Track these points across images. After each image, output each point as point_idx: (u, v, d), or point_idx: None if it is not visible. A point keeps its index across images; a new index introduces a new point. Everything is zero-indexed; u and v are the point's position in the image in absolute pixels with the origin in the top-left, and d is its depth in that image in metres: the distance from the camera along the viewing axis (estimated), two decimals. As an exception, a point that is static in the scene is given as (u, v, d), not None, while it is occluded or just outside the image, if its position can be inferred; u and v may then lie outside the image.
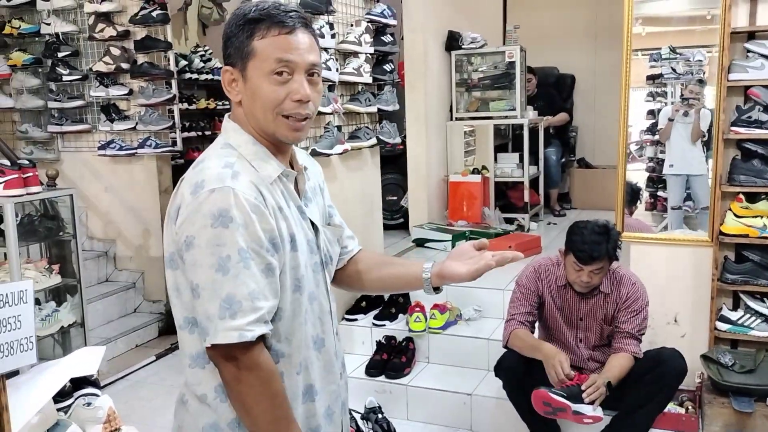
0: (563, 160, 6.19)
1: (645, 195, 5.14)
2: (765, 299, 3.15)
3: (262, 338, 1.23)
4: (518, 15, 6.69)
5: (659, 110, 5.17)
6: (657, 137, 5.15)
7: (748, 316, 3.15)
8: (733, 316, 3.17)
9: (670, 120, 4.50)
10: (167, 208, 1.31)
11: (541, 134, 5.68)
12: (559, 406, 2.57)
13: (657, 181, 5.00)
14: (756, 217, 3.09)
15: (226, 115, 1.38)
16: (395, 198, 5.51)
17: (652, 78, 5.02)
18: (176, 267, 1.27)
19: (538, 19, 6.71)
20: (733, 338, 3.20)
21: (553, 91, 6.30)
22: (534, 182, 5.63)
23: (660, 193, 4.90)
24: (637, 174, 5.43)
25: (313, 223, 1.39)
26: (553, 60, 6.60)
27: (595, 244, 2.63)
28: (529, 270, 2.92)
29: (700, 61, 4.63)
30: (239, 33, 1.29)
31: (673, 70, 4.79)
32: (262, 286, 1.22)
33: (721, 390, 3.02)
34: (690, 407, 3.17)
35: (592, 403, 2.56)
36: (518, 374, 2.79)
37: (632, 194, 3.86)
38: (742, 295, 3.21)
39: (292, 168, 1.40)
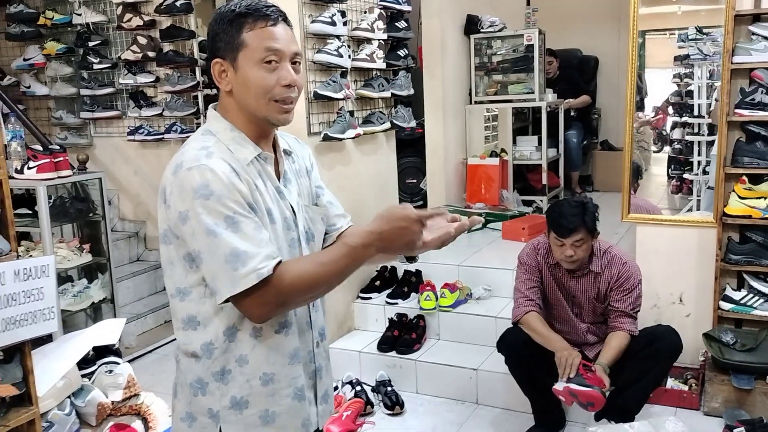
0: (585, 142, 6.19)
1: (665, 178, 5.14)
2: (768, 279, 3.19)
3: (277, 265, 1.34)
4: (542, -3, 6.69)
5: (686, 92, 5.16)
6: (684, 119, 5.14)
7: (751, 295, 3.19)
8: (737, 295, 3.22)
9: (717, 101, 4.48)
10: (159, 190, 1.44)
11: (561, 117, 5.70)
12: (586, 396, 2.64)
13: (684, 163, 5.00)
14: (759, 198, 3.12)
15: (211, 106, 1.51)
16: (414, 181, 5.61)
17: (679, 59, 5.01)
18: (169, 242, 1.41)
19: (561, 1, 6.70)
20: (737, 318, 3.24)
21: (575, 73, 6.29)
22: (554, 165, 5.67)
23: (686, 175, 4.91)
24: (663, 156, 5.43)
25: (290, 204, 1.51)
26: (576, 42, 6.59)
27: (572, 216, 2.72)
28: (528, 247, 3.00)
29: (730, 41, 4.60)
30: (228, 28, 1.41)
31: (700, 50, 4.76)
32: (258, 238, 1.35)
33: (722, 368, 3.09)
34: (693, 384, 3.24)
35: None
36: (520, 350, 2.88)
37: (634, 173, 3.88)
38: (745, 275, 3.25)
39: (275, 151, 1.52)
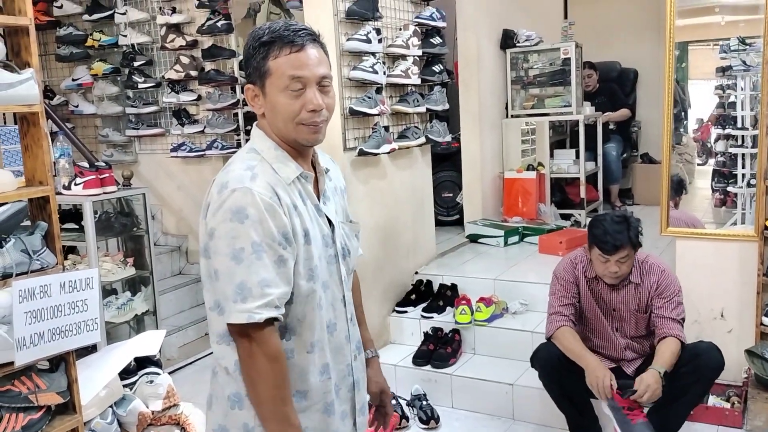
0: (624, 155, 6.12)
1: (709, 191, 5.04)
2: (813, 294, 3.11)
3: (272, 321, 1.39)
4: (579, 10, 6.67)
5: (729, 104, 5.07)
6: (727, 131, 5.05)
7: (795, 311, 3.12)
8: (780, 311, 3.14)
9: None
10: (203, 205, 1.50)
11: (599, 130, 5.66)
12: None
13: (728, 176, 4.90)
14: (802, 211, 3.05)
15: (255, 123, 1.55)
16: (451, 195, 5.62)
17: (722, 70, 4.93)
18: (208, 256, 1.45)
19: (600, 13, 6.66)
20: (781, 334, 3.17)
21: (614, 86, 6.24)
22: (593, 178, 5.62)
23: (730, 188, 4.81)
24: (708, 169, 5.33)
25: (329, 220, 1.55)
26: (614, 54, 6.53)
27: (617, 233, 2.69)
28: (565, 261, 2.98)
29: (775, 52, 4.51)
30: (255, 54, 1.45)
31: (743, 62, 4.68)
32: (272, 275, 1.38)
33: (765, 385, 3.01)
34: (736, 402, 3.16)
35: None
36: (554, 364, 2.85)
37: (676, 186, 3.83)
38: (789, 291, 3.17)
39: (315, 169, 1.57)
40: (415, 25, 3.95)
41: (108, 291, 3.84)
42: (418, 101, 3.91)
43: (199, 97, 4.74)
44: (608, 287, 2.86)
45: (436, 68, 4.10)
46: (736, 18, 4.92)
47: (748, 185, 4.47)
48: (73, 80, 5.16)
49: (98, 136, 5.28)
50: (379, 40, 3.60)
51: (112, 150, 5.18)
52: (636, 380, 2.65)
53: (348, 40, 3.48)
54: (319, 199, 1.54)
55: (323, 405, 1.53)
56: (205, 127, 4.71)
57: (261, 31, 1.47)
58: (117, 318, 3.76)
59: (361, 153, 3.53)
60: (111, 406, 2.40)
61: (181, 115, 4.80)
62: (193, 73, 4.67)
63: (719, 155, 5.16)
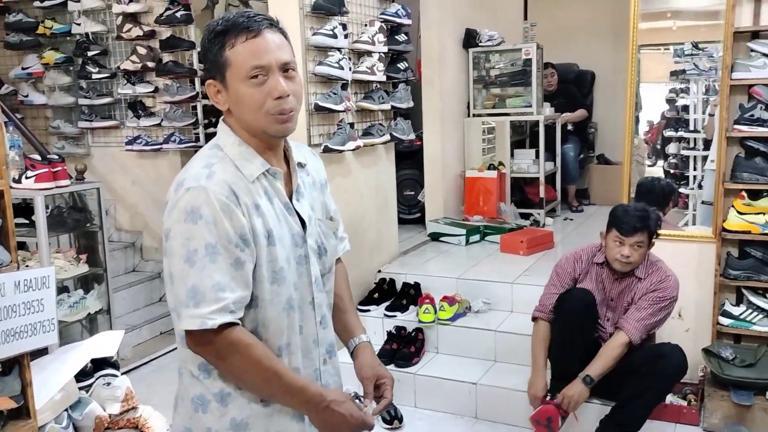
0: (582, 156, 6.22)
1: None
2: (767, 295, 3.19)
3: (230, 325, 1.33)
4: (539, 12, 6.73)
5: (682, 107, 5.19)
6: (680, 134, 5.16)
7: (750, 311, 3.19)
8: (736, 311, 3.22)
9: (711, 115, 4.51)
10: None
11: (558, 130, 5.73)
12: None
13: (680, 177, 5.01)
14: (758, 214, 3.12)
15: (221, 118, 1.48)
16: (413, 193, 5.61)
17: (675, 74, 5.04)
18: (166, 257, 1.39)
19: (559, 15, 6.74)
20: (736, 333, 3.24)
21: (573, 87, 6.32)
22: (551, 178, 5.69)
23: (682, 189, 4.92)
24: (659, 170, 5.46)
25: (301, 218, 1.48)
26: (573, 56, 6.62)
27: (638, 218, 2.76)
28: (569, 254, 3.04)
29: (723, 56, 4.62)
30: (212, 47, 1.38)
31: (696, 66, 4.79)
32: (228, 279, 1.32)
33: (722, 383, 3.08)
34: (693, 400, 3.23)
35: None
36: (582, 309, 2.86)
37: (667, 193, 3.90)
38: (744, 291, 3.24)
39: (288, 164, 1.51)
40: (381, 22, 3.91)
41: (60, 289, 3.69)
42: (383, 98, 3.88)
43: (156, 89, 4.61)
44: (612, 276, 2.90)
45: (401, 65, 4.07)
46: (687, 23, 5.04)
47: (699, 187, 4.60)
48: (23, 69, 4.96)
49: (49, 128, 5.08)
50: (345, 36, 3.55)
51: (63, 142, 4.99)
52: (561, 392, 2.77)
53: (314, 34, 3.43)
54: (291, 197, 1.48)
55: (292, 410, 1.47)
56: (162, 120, 4.58)
57: (215, 21, 1.40)
58: (69, 317, 3.62)
59: (326, 150, 3.48)
60: (66, 410, 2.31)
61: (137, 107, 4.66)
62: (150, 64, 4.54)
63: (671, 157, 5.29)
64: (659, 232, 3.43)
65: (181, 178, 1.37)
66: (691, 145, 4.91)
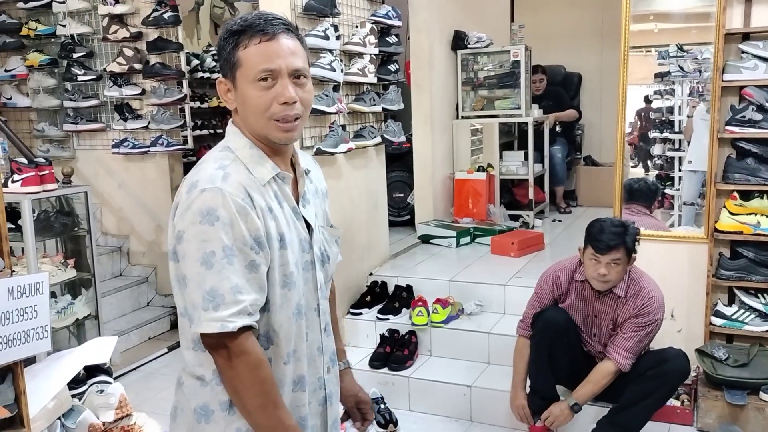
0: (569, 157, 6.25)
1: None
2: (759, 295, 3.21)
3: (248, 328, 1.31)
4: (525, 14, 6.76)
5: (666, 108, 5.23)
6: (665, 135, 5.20)
7: (742, 311, 3.21)
8: (728, 311, 3.24)
9: (689, 117, 4.55)
10: (172, 206, 1.41)
11: (546, 132, 5.75)
12: None
13: (665, 178, 5.05)
14: (750, 214, 3.15)
15: (230, 120, 1.47)
16: (402, 195, 5.60)
17: (660, 75, 5.07)
18: (176, 260, 1.36)
19: (546, 18, 6.78)
20: (728, 333, 3.26)
21: (560, 89, 6.35)
22: (539, 180, 5.70)
23: (667, 190, 4.96)
24: (648, 172, 5.49)
25: (308, 224, 1.47)
26: (559, 58, 6.66)
27: (613, 234, 2.67)
28: (547, 273, 2.99)
29: (708, 58, 4.65)
30: (226, 45, 1.37)
31: (680, 68, 4.82)
32: (244, 281, 1.30)
33: (715, 383, 3.09)
34: (686, 400, 3.24)
35: None
36: (560, 327, 2.87)
37: (653, 192, 3.92)
38: (736, 291, 3.27)
39: (294, 169, 1.49)
40: (372, 23, 3.90)
41: (47, 294, 3.63)
42: (374, 100, 3.86)
43: (144, 92, 4.55)
44: (594, 293, 2.83)
45: (392, 67, 4.06)
46: (669, 26, 5.07)
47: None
48: (6, 71, 4.87)
49: (33, 131, 5.00)
50: (337, 37, 3.53)
51: (48, 145, 4.92)
52: (548, 410, 2.85)
53: (306, 36, 3.40)
54: (297, 202, 1.46)
55: (296, 419, 1.45)
56: (149, 123, 4.52)
57: (233, 21, 1.40)
58: (57, 323, 3.55)
59: (318, 152, 3.45)
60: (59, 419, 2.26)
61: (123, 109, 4.60)
62: (137, 66, 4.48)
63: (657, 158, 5.33)
64: (651, 233, 3.48)
65: (194, 179, 1.34)
66: (676, 146, 4.95)
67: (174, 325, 4.68)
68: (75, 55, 4.63)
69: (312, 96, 1.45)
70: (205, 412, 1.39)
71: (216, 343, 1.31)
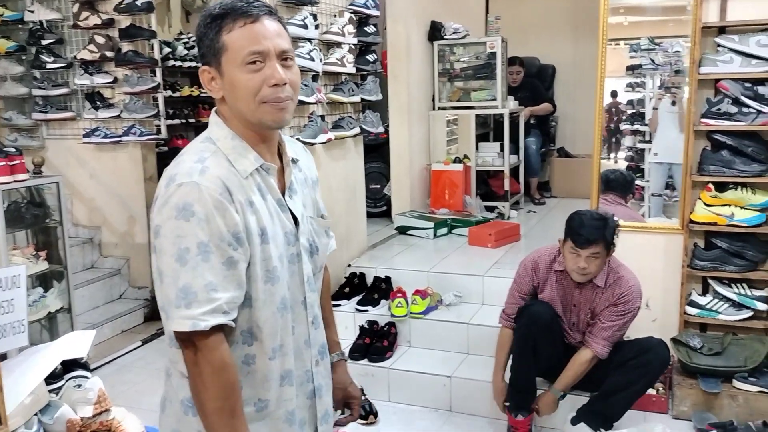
0: (543, 149, 6.29)
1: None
2: (732, 285, 3.27)
3: (220, 328, 1.28)
4: (500, 6, 6.77)
5: (637, 101, 5.29)
6: (636, 127, 5.27)
7: (716, 301, 3.27)
8: (702, 301, 3.30)
9: (655, 109, 4.61)
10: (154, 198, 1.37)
11: (521, 124, 5.77)
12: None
13: (636, 170, 5.12)
14: (724, 205, 3.20)
15: (213, 110, 1.42)
16: (378, 186, 5.58)
17: (631, 68, 5.12)
18: (155, 254, 1.32)
19: (520, 9, 6.80)
20: (702, 322, 3.32)
21: (536, 81, 6.38)
22: (515, 171, 5.73)
23: (638, 181, 5.03)
24: (617, 164, 5.56)
25: (294, 215, 1.44)
26: (534, 50, 6.69)
27: (593, 228, 2.69)
28: (526, 261, 3.01)
29: (679, 52, 4.71)
30: (208, 32, 1.33)
31: (652, 60, 4.87)
32: (221, 278, 1.27)
33: (690, 372, 3.15)
34: (660, 388, 3.29)
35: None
36: (544, 322, 2.88)
37: (629, 183, 3.97)
38: (710, 281, 3.33)
39: (281, 158, 1.45)
40: (351, 13, 3.86)
41: (18, 287, 3.55)
42: (353, 90, 3.83)
43: (116, 80, 4.44)
44: (573, 284, 2.86)
45: (370, 57, 4.04)
46: (645, 19, 5.12)
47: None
48: (-29, 58, 4.73)
49: (0, 120, 4.86)
50: (316, 27, 3.49)
51: (16, 134, 4.78)
52: (536, 400, 2.96)
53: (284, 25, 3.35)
54: (284, 193, 1.43)
55: (284, 413, 1.43)
56: (121, 112, 4.43)
57: (212, 6, 1.35)
58: (28, 316, 3.45)
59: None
60: (36, 414, 2.21)
61: (95, 98, 4.49)
62: (109, 53, 4.37)
63: (628, 150, 5.40)
64: (628, 224, 3.52)
65: (173, 173, 1.31)
66: (647, 138, 5.01)
67: (148, 318, 4.62)
68: (44, 42, 4.50)
69: (299, 78, 1.41)
70: (192, 405, 1.36)
71: (185, 339, 1.29)
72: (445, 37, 5.42)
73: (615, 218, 2.82)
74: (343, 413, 1.76)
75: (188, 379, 1.32)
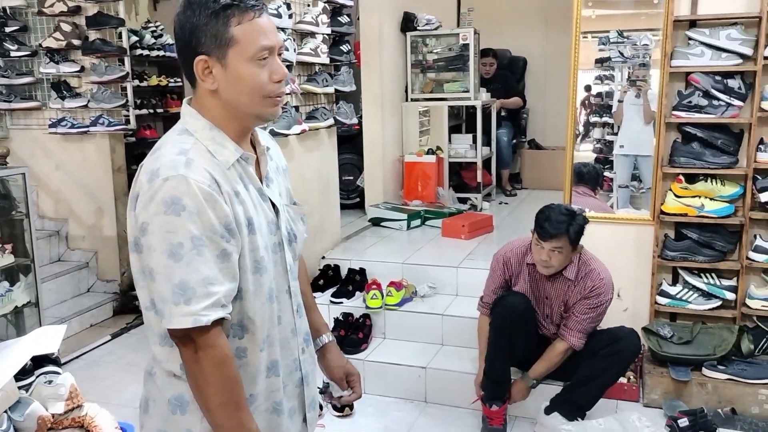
0: (514, 141, 6.33)
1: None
2: (702, 275, 3.34)
3: (219, 322, 1.26)
4: (471, -2, 6.79)
5: (606, 93, 5.35)
6: (604, 119, 5.34)
7: (686, 290, 3.33)
8: (673, 290, 3.35)
9: (620, 101, 4.67)
10: (129, 195, 1.33)
11: (493, 116, 5.80)
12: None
13: (603, 161, 5.18)
14: (695, 197, 3.26)
15: (185, 101, 1.39)
16: (351, 178, 5.56)
17: (600, 61, 5.17)
18: (140, 251, 1.29)
19: (492, 1, 6.81)
20: (672, 312, 3.38)
21: (508, 73, 6.41)
22: (487, 163, 5.76)
23: (606, 173, 5.10)
24: (585, 155, 5.62)
25: (273, 204, 1.42)
26: (506, 42, 6.71)
27: (558, 222, 2.72)
28: (498, 254, 3.04)
29: (647, 45, 4.77)
30: (212, 21, 1.28)
31: (621, 53, 4.93)
32: (216, 271, 1.25)
33: (660, 360, 3.21)
34: (632, 377, 3.35)
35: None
36: (519, 313, 2.90)
37: (599, 175, 4.02)
38: (680, 271, 3.39)
39: (255, 149, 1.43)
40: (324, 2, 3.82)
41: (-18, 282, 3.46)
42: (327, 81, 3.80)
43: (83, 69, 4.35)
44: (545, 276, 2.89)
45: (344, 48, 4.01)
46: (617, 12, 5.17)
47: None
48: (-69, 45, 4.57)
49: (-38, 109, 4.72)
50: (290, 16, 3.45)
51: (-22, 124, 4.66)
52: (509, 391, 2.99)
53: (257, 13, 3.31)
54: (261, 182, 1.41)
55: (272, 404, 1.42)
56: (89, 101, 4.32)
57: None
58: (-6, 311, 3.40)
59: (272, 134, 3.37)
60: (6, 412, 2.15)
61: (61, 87, 4.38)
62: (76, 42, 4.27)
63: (596, 142, 5.47)
64: (600, 215, 3.56)
65: (154, 167, 1.26)
66: (615, 130, 5.07)
67: (117, 312, 4.54)
68: (7, 30, 4.38)
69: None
70: (180, 404, 1.35)
71: (184, 336, 1.26)
72: (418, 28, 5.41)
73: (584, 214, 2.86)
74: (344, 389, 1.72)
75: (188, 377, 1.29)
